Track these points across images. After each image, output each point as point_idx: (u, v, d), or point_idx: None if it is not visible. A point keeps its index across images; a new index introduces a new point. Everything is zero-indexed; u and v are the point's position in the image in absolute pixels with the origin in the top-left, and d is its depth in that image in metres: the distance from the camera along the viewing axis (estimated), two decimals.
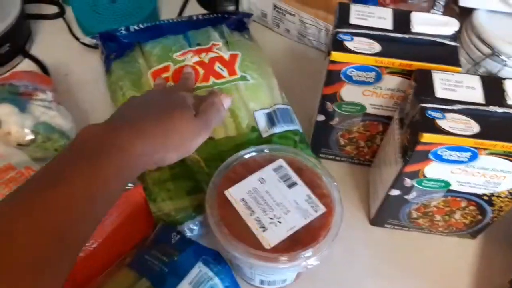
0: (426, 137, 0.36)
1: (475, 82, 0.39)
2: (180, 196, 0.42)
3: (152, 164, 0.36)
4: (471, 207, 0.43)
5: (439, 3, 0.56)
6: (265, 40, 0.61)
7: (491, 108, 0.37)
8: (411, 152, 0.37)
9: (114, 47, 0.52)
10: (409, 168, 0.39)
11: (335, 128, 0.50)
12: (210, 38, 0.51)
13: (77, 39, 0.62)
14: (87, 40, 0.59)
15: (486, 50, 0.52)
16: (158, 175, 0.43)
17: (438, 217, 0.46)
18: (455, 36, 0.43)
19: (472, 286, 0.46)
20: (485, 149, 0.36)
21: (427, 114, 0.36)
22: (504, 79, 0.39)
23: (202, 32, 0.52)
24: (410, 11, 0.44)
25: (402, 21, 0.43)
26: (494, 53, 0.51)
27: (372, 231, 0.50)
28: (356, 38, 0.42)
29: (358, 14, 0.44)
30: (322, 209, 0.39)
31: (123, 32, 0.53)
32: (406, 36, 0.42)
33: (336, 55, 0.41)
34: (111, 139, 0.33)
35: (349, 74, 0.42)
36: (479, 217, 0.44)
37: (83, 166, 0.30)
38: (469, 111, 0.37)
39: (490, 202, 0.42)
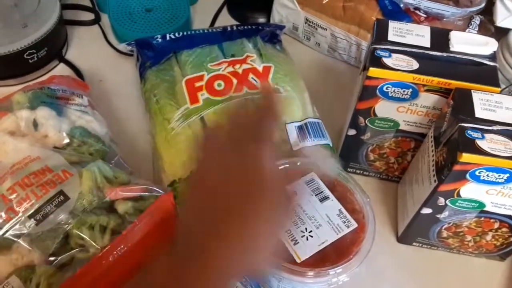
0: (465, 157, 0.35)
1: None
2: None
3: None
4: (504, 229, 0.43)
5: (475, 22, 0.56)
6: (295, 53, 0.61)
7: None
8: (448, 171, 0.37)
9: (150, 55, 0.52)
10: (444, 187, 0.39)
11: (366, 143, 0.49)
12: (244, 49, 0.52)
13: (112, 46, 0.63)
14: (122, 47, 0.60)
15: None
16: (186, 184, 0.43)
17: (469, 238, 0.45)
18: (494, 56, 0.42)
19: None
20: None
21: (467, 134, 0.36)
22: (451, 30, 0.39)
23: (236, 43, 0.53)
24: (449, 30, 0.43)
25: (440, 39, 0.43)
26: None
27: (399, 248, 0.49)
28: (394, 55, 0.42)
29: (396, 31, 0.44)
30: (354, 224, 0.39)
31: (159, 40, 0.54)
32: (445, 54, 0.42)
33: (373, 71, 0.41)
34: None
35: (385, 90, 0.42)
36: (511, 239, 0.44)
37: None
38: (509, 132, 0.37)
39: None
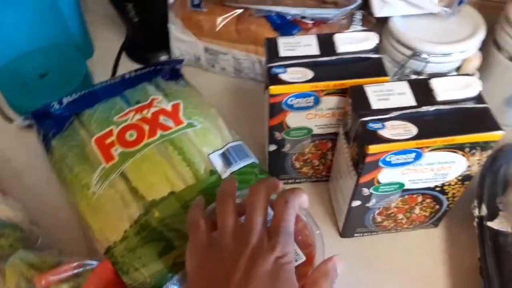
0: (372, 149, 0.38)
1: (405, 88, 0.42)
2: (153, 260, 0.41)
3: None
4: (428, 200, 0.46)
5: (357, 18, 0.60)
6: (203, 82, 0.62)
7: (424, 108, 0.40)
8: (362, 164, 0.40)
9: (51, 124, 0.50)
10: (364, 179, 0.42)
11: (288, 154, 0.51)
12: (148, 93, 0.52)
13: (11, 121, 0.60)
14: (20, 121, 0.56)
15: (408, 52, 0.56)
16: (124, 245, 0.42)
17: (400, 216, 0.48)
18: (377, 48, 0.46)
19: (447, 271, 0.48)
20: (427, 147, 0.39)
21: (368, 127, 0.39)
22: (429, 78, 0.42)
23: (139, 89, 0.53)
24: (332, 34, 0.47)
25: (326, 44, 0.46)
26: (416, 53, 0.55)
27: (344, 243, 0.51)
28: (289, 69, 0.44)
29: (286, 46, 0.46)
30: (302, 258, 0.37)
31: (56, 106, 0.51)
32: (334, 57, 0.45)
33: (274, 89, 0.43)
34: None
35: (290, 103, 0.45)
36: (437, 207, 0.47)
37: None
38: (405, 115, 0.40)
39: (443, 192, 0.45)
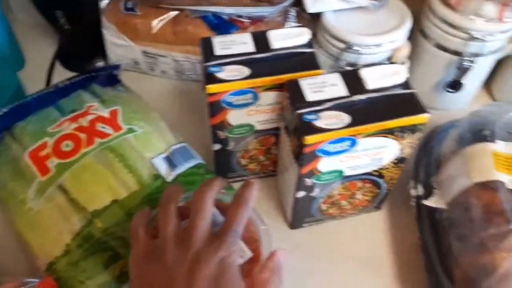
0: (308, 139, 0.39)
1: (337, 79, 0.43)
2: (98, 271, 0.40)
3: None
4: (368, 185, 0.48)
5: (292, 14, 0.62)
6: (144, 86, 0.61)
7: (355, 97, 0.42)
8: (302, 155, 0.41)
9: None
10: (305, 170, 0.43)
11: (234, 151, 0.52)
12: (84, 101, 0.50)
13: None
14: None
15: (341, 45, 0.58)
16: (67, 260, 0.41)
17: (344, 202, 0.50)
18: (310, 43, 0.48)
19: (391, 251, 0.51)
20: (360, 134, 0.41)
21: (304, 119, 0.40)
22: (359, 69, 0.44)
23: (73, 97, 0.51)
24: (266, 31, 0.48)
25: (261, 41, 0.47)
26: (348, 46, 0.57)
27: (293, 234, 0.53)
28: (225, 67, 0.44)
29: (221, 45, 0.46)
30: (249, 254, 0.37)
31: None
32: (269, 54, 0.46)
33: (211, 88, 0.43)
34: None
35: (229, 100, 0.45)
36: (377, 191, 0.50)
37: None
38: (338, 105, 0.41)
39: (380, 176, 0.47)
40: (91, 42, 0.66)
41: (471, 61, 0.56)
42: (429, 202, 0.47)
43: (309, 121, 0.40)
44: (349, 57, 0.58)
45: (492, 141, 0.45)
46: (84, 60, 0.68)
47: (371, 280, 0.49)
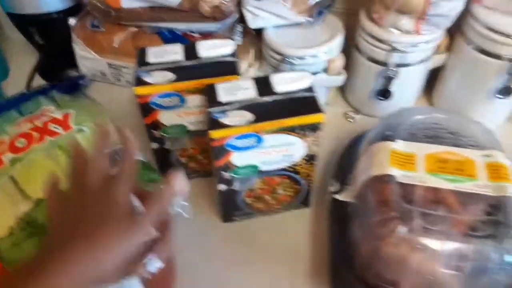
0: (213, 133, 0.45)
1: (250, 84, 0.49)
2: None
3: None
4: (286, 181, 0.53)
5: (237, 30, 0.68)
6: (111, 95, 0.68)
7: (264, 99, 0.47)
8: (212, 148, 0.46)
9: None
10: (219, 163, 0.48)
11: (172, 150, 0.58)
12: (41, 104, 0.57)
13: None
14: None
15: (279, 57, 0.64)
16: (10, 241, 0.46)
17: (267, 197, 0.55)
18: (234, 53, 0.53)
19: (311, 244, 0.55)
20: (262, 131, 0.46)
21: (213, 116, 0.45)
22: (270, 75, 0.49)
23: (33, 101, 0.58)
24: (195, 42, 0.54)
25: (191, 51, 0.53)
26: (284, 58, 0.63)
27: (225, 227, 0.57)
28: (153, 73, 0.50)
29: (155, 54, 0.53)
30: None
31: None
32: (196, 62, 0.52)
33: (138, 90, 0.49)
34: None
35: (158, 102, 0.51)
36: (297, 186, 0.54)
37: None
38: (246, 106, 0.47)
39: (295, 172, 0.52)
40: (65, 55, 0.73)
41: (395, 71, 0.61)
42: (339, 196, 0.52)
43: (216, 118, 0.45)
44: (285, 67, 0.63)
45: (393, 140, 0.49)
46: (59, 71, 0.76)
47: (287, 273, 0.52)
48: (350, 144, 0.59)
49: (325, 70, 0.66)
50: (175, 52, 0.53)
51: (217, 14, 0.64)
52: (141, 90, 0.49)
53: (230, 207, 0.55)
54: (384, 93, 0.64)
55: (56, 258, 0.34)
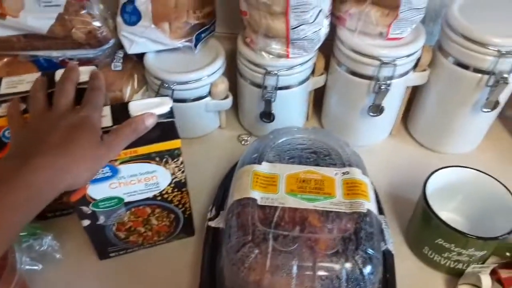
0: None
1: (106, 111, 0.46)
2: None
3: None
4: (158, 210, 0.51)
5: (119, 56, 0.66)
6: None
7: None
8: None
9: None
10: (74, 197, 0.45)
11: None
12: None
13: None
14: None
15: (158, 82, 0.62)
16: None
17: (142, 229, 0.52)
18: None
19: (192, 276, 0.53)
20: (115, 161, 0.43)
21: None
22: (128, 102, 0.47)
23: None
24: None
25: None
26: (163, 83, 0.62)
27: (103, 265, 0.54)
28: (3, 105, 0.47)
29: (8, 84, 0.49)
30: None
31: None
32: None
33: None
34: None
35: None
36: (172, 215, 0.52)
37: None
38: None
39: (166, 200, 0.50)
40: None
41: (272, 94, 0.61)
42: (212, 223, 0.50)
43: None
44: (166, 92, 0.62)
45: (259, 163, 0.49)
46: None
47: None
48: (231, 168, 0.58)
49: (210, 94, 0.65)
50: (30, 82, 0.50)
51: (92, 41, 0.62)
52: None
53: (102, 243, 0.52)
54: (268, 116, 0.64)
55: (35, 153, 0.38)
